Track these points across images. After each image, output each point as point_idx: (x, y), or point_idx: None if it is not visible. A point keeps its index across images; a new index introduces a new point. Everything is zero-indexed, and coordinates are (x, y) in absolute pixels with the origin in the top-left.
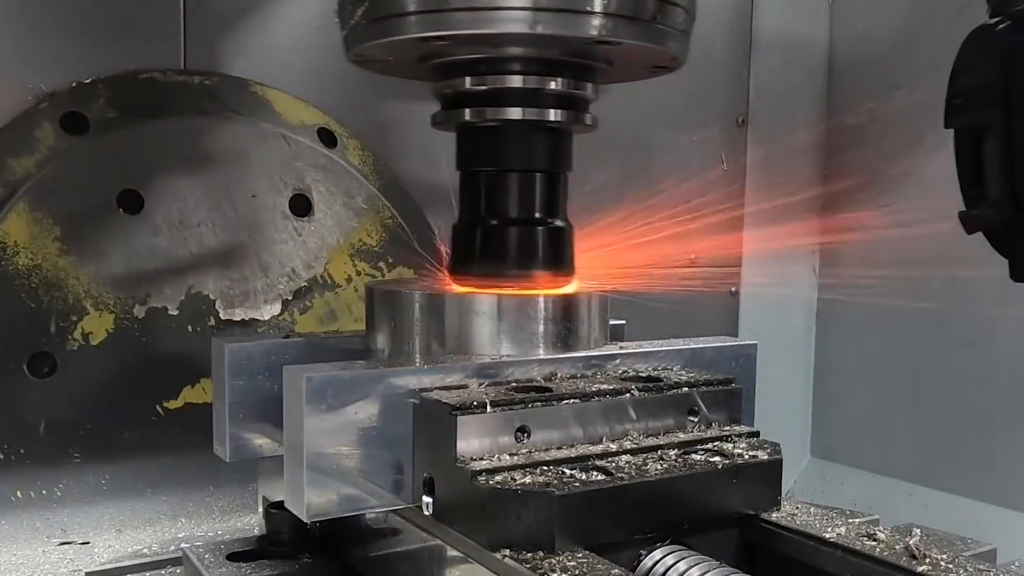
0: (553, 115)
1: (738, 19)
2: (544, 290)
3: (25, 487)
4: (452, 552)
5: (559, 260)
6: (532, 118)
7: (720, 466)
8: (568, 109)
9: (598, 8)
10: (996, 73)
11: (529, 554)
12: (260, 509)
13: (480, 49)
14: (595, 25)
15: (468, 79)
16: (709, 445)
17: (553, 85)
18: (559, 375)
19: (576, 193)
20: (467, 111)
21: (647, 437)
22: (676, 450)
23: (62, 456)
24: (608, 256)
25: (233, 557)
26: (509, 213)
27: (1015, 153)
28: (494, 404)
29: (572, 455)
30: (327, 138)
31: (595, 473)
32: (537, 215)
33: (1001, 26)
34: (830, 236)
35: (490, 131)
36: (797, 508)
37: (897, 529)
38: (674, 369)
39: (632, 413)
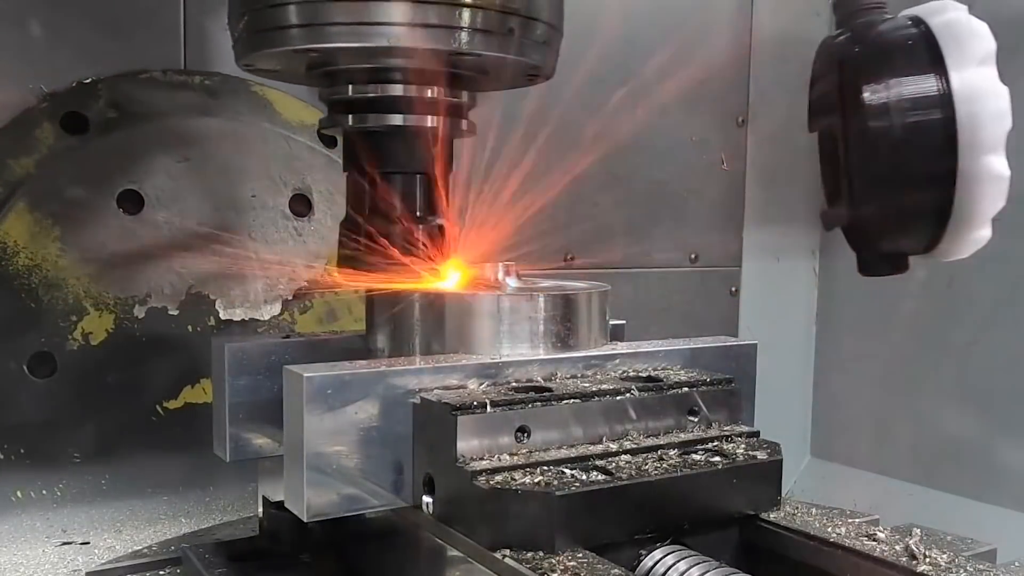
0: (431, 121)
1: (738, 19)
2: (421, 283)
3: (25, 487)
4: (452, 552)
5: (438, 255)
6: (412, 124)
7: (720, 466)
8: (447, 116)
9: (459, 23)
10: (835, 81)
11: (529, 554)
12: (260, 509)
13: (357, 60)
14: (456, 39)
15: (351, 87)
16: (709, 445)
17: (430, 93)
18: (559, 375)
19: (576, 193)
20: (351, 117)
21: (647, 437)
22: (676, 450)
23: (62, 456)
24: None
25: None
26: (391, 212)
27: (849, 155)
28: (494, 404)
29: (572, 455)
30: (327, 138)
31: (595, 473)
32: (417, 214)
33: (840, 38)
34: (830, 236)
35: (373, 136)
36: (797, 508)
37: (897, 529)
38: (674, 369)
39: (632, 413)
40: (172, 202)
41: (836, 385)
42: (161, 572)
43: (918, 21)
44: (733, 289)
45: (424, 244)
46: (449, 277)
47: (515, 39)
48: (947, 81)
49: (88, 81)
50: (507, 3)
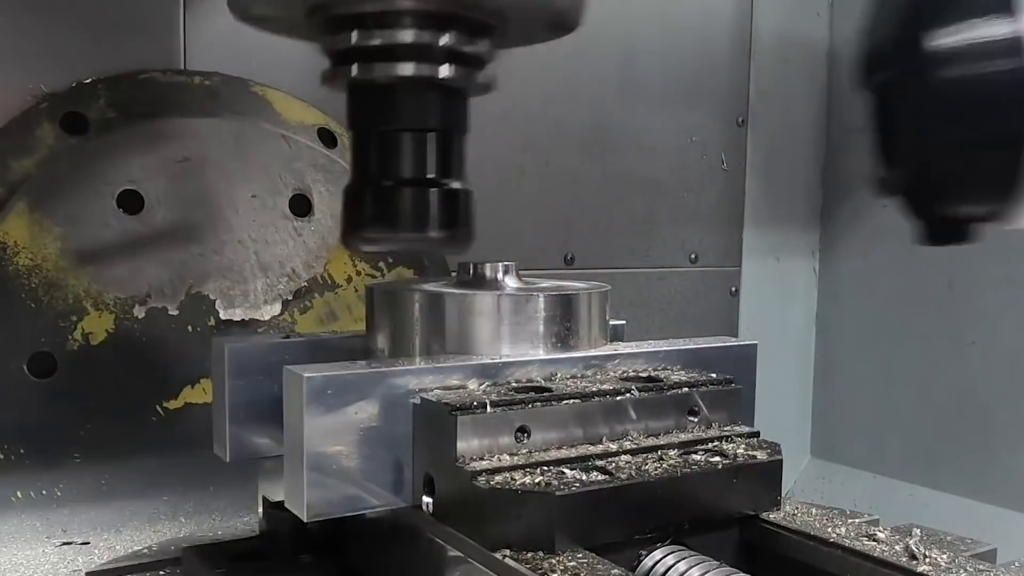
0: (445, 71)
1: (738, 19)
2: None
3: (25, 487)
4: (452, 552)
5: (454, 223)
6: (424, 74)
7: (720, 466)
8: (462, 65)
9: None
10: (896, 29)
11: (529, 554)
12: (260, 509)
13: (364, 2)
14: None
15: (355, 34)
16: (709, 445)
17: (444, 40)
18: (559, 375)
19: (576, 193)
20: (355, 67)
21: (647, 437)
22: (676, 450)
23: (62, 456)
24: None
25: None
26: (402, 174)
27: (913, 110)
28: (494, 404)
29: (572, 455)
30: (327, 138)
31: (595, 473)
32: (430, 176)
33: None
34: (830, 236)
35: (380, 88)
36: (797, 508)
37: (897, 529)
38: (674, 369)
39: (632, 413)
40: (172, 202)
41: (836, 385)
42: (161, 572)
43: None
44: (733, 289)
45: (438, 209)
46: (463, 246)
47: None
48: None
49: (88, 81)
50: None
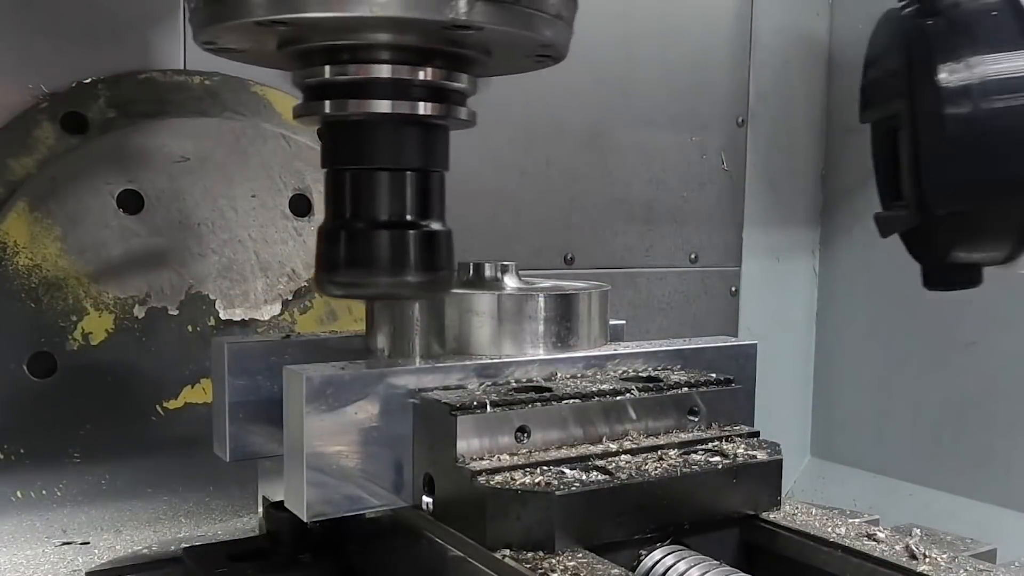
0: (424, 108)
1: (738, 19)
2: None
3: (25, 487)
4: (452, 552)
5: (433, 267)
6: (402, 112)
7: (720, 466)
8: (441, 102)
9: None
10: (902, 61)
11: (529, 554)
12: (260, 509)
13: (335, 34)
14: (453, 8)
15: (328, 68)
16: (709, 445)
17: (422, 75)
18: (559, 375)
19: (576, 193)
20: (328, 103)
21: (647, 437)
22: (676, 450)
23: (62, 456)
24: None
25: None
26: (378, 216)
27: (920, 148)
28: (494, 404)
29: (572, 455)
30: None
31: (595, 473)
32: (408, 218)
33: (907, 10)
34: (830, 235)
35: (355, 126)
36: (797, 508)
37: (897, 529)
38: (674, 369)
39: (632, 413)
40: (172, 202)
41: (836, 385)
42: (161, 572)
43: None
44: (733, 289)
45: (415, 252)
46: (443, 291)
47: (523, 11)
48: None
49: (88, 81)
50: None
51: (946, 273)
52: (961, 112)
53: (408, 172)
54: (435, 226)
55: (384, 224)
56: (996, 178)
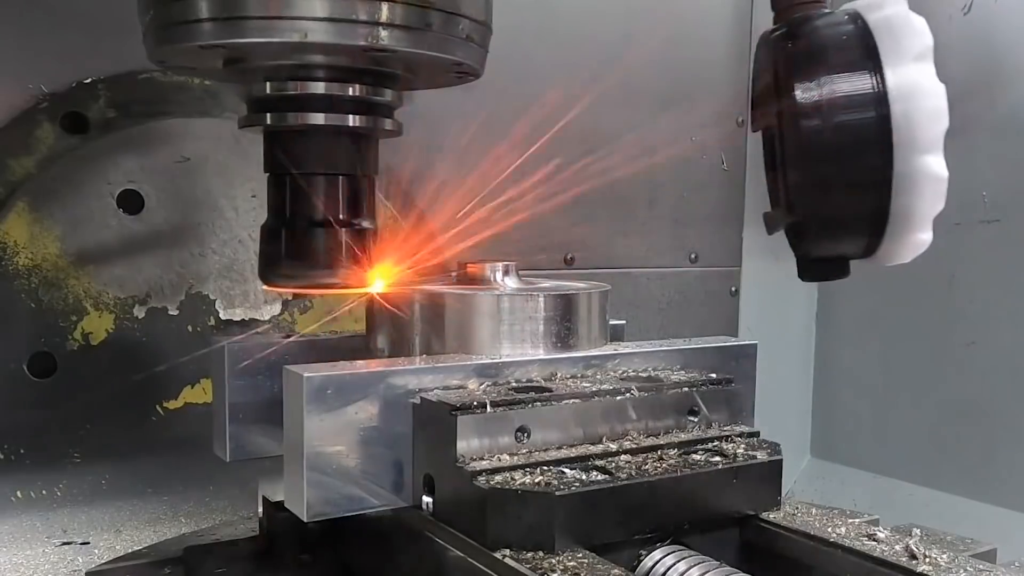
0: (353, 120)
1: (738, 19)
2: (348, 290)
3: (25, 487)
4: (452, 552)
5: (363, 261)
6: (333, 123)
7: (720, 466)
8: (369, 114)
9: (375, 18)
10: (770, 79)
11: (529, 554)
12: (260, 509)
13: (273, 56)
14: (372, 34)
15: (268, 84)
16: (709, 445)
17: (352, 91)
18: (559, 375)
19: (576, 193)
20: (269, 115)
21: (647, 437)
22: (676, 450)
23: (62, 456)
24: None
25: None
26: (314, 215)
27: (784, 156)
28: (494, 404)
29: (572, 455)
30: None
31: (595, 473)
32: (341, 217)
33: (776, 33)
34: None
35: (294, 135)
36: (797, 508)
37: (897, 529)
38: (674, 369)
39: (632, 413)
40: (172, 202)
41: (836, 385)
42: (161, 572)
43: (855, 16)
44: (733, 289)
45: (348, 249)
46: (375, 283)
47: (435, 35)
48: (882, 78)
49: (88, 81)
50: None
51: (816, 265)
52: (813, 124)
53: (341, 176)
54: (365, 224)
55: (319, 223)
56: (845, 179)
